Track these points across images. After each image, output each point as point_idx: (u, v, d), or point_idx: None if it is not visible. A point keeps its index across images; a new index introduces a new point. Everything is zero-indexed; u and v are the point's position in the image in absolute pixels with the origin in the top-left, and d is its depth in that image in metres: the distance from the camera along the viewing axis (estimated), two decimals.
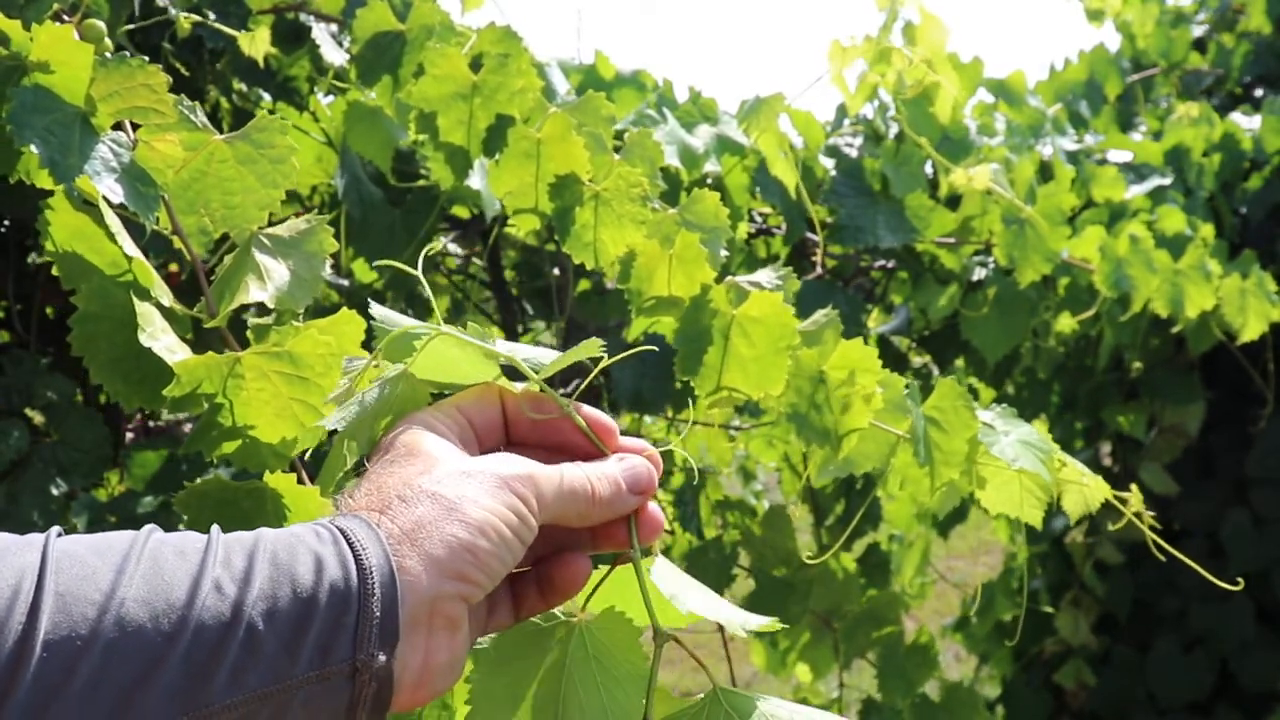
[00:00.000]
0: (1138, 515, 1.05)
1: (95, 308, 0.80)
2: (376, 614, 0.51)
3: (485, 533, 0.54)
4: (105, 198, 0.79)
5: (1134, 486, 1.09)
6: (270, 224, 0.89)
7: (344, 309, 0.81)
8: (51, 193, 0.82)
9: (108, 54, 0.84)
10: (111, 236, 0.81)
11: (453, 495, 0.55)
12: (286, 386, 0.77)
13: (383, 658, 0.51)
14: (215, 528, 0.52)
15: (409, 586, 0.52)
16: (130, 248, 0.81)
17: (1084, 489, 1.05)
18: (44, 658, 0.44)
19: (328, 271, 0.87)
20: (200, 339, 0.89)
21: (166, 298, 0.82)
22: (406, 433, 0.60)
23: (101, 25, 0.97)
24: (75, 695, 0.44)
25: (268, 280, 0.82)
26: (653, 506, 0.65)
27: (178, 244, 0.88)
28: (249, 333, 0.84)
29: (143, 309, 0.76)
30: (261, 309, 0.84)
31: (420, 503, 0.55)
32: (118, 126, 0.86)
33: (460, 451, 0.60)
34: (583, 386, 0.69)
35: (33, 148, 0.76)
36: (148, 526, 0.51)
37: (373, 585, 0.51)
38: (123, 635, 0.46)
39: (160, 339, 0.76)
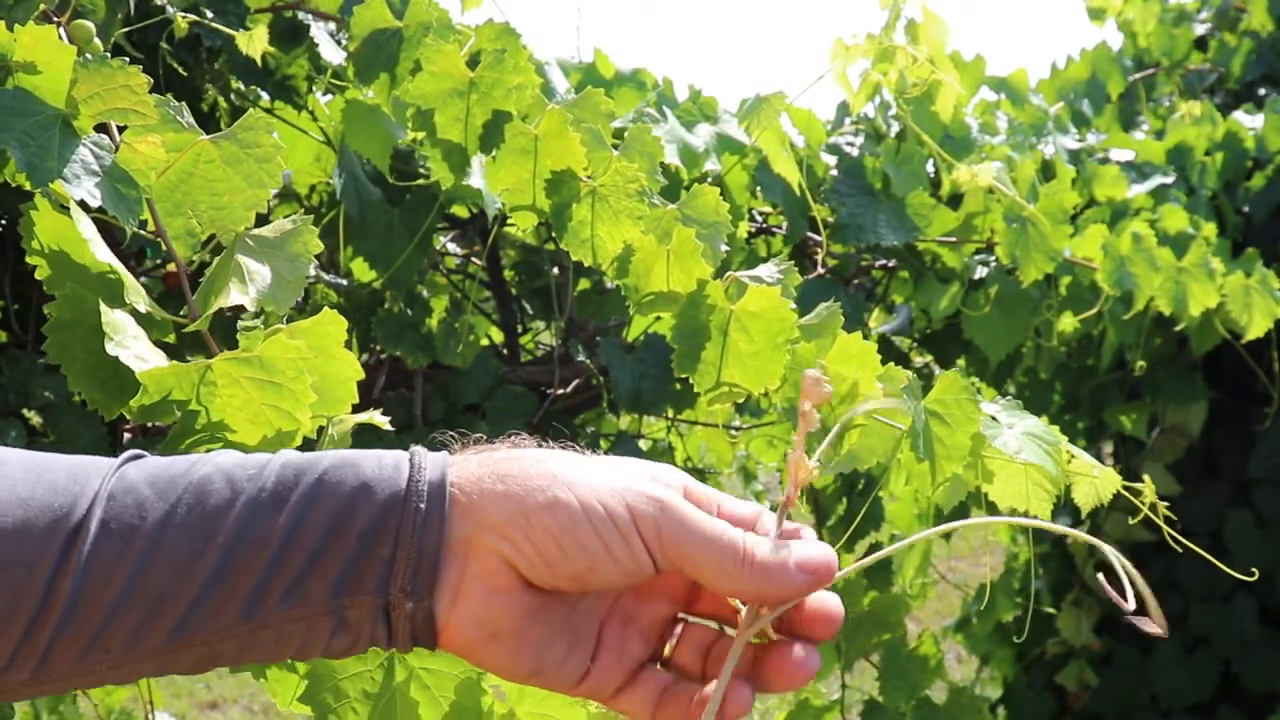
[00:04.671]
0: (1152, 508, 1.04)
1: (69, 315, 0.79)
2: (414, 553, 0.51)
3: (554, 511, 0.52)
4: (83, 202, 0.78)
5: (1146, 477, 1.08)
6: (260, 224, 0.88)
7: (326, 308, 0.80)
8: (33, 195, 0.82)
9: (90, 56, 0.83)
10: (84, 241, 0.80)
11: (555, 470, 0.53)
12: (258, 392, 0.75)
13: (410, 604, 0.52)
14: (284, 451, 0.55)
15: (453, 517, 0.52)
16: (103, 253, 0.80)
17: (1094, 480, 1.04)
18: (86, 569, 0.50)
19: (317, 271, 0.86)
20: (187, 343, 0.88)
21: (143, 303, 0.81)
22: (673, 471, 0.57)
23: (90, 26, 0.96)
24: (116, 601, 0.51)
25: (249, 283, 0.81)
26: (810, 653, 0.54)
27: (165, 246, 0.87)
28: (239, 336, 0.83)
29: (110, 318, 0.75)
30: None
31: (518, 462, 0.54)
32: (103, 129, 0.85)
33: (639, 465, 0.56)
34: None
35: (10, 151, 0.75)
36: (217, 451, 0.55)
37: (415, 524, 0.52)
38: (157, 555, 0.51)
39: (129, 347, 0.75)
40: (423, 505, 0.52)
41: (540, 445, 0.57)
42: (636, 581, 0.53)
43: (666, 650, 0.58)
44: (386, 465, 0.53)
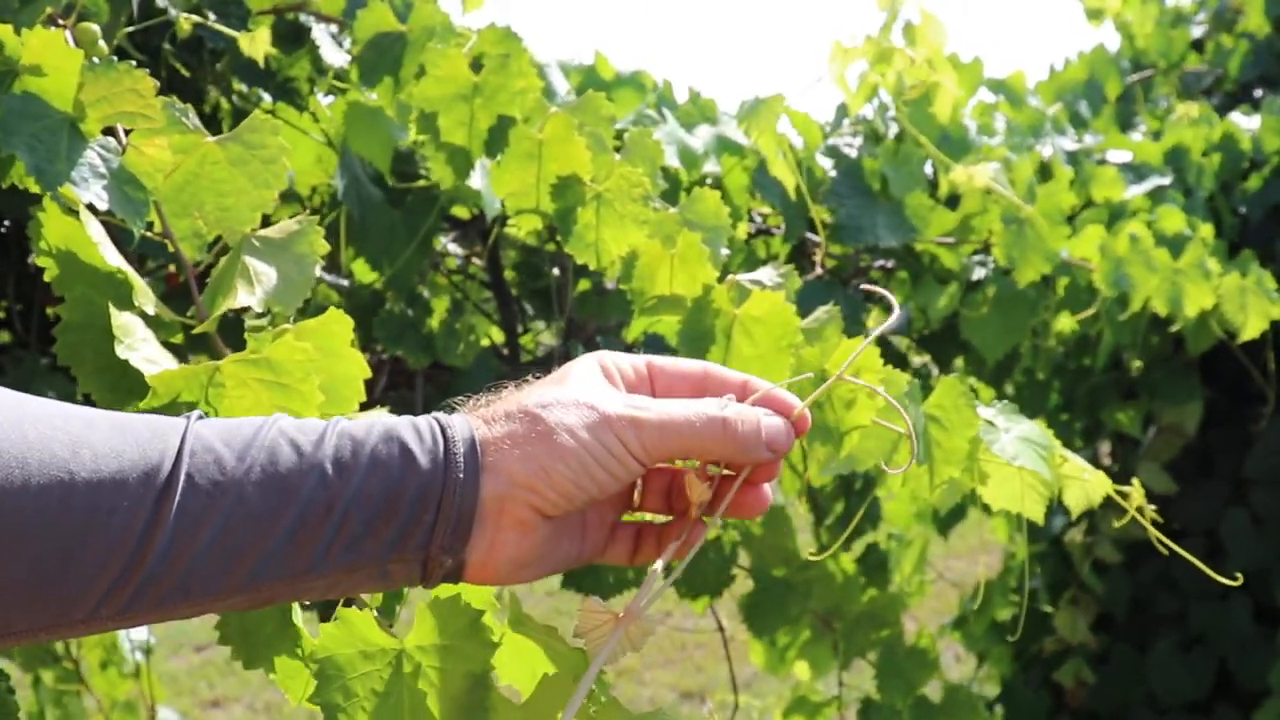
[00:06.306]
0: (1139, 510, 1.05)
1: (79, 318, 0.80)
2: (453, 517, 0.60)
3: (564, 459, 0.61)
4: (91, 205, 0.79)
5: (1135, 481, 1.09)
6: (264, 225, 0.88)
7: (331, 308, 0.80)
8: (42, 197, 0.82)
9: (98, 59, 0.84)
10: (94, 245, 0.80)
11: (551, 421, 0.62)
12: (267, 393, 0.76)
13: (450, 561, 0.60)
14: (337, 417, 0.62)
15: (485, 482, 0.60)
16: (113, 256, 0.81)
17: (1085, 484, 1.05)
18: (177, 520, 0.56)
19: (319, 272, 0.87)
20: (195, 343, 0.89)
21: (151, 305, 0.82)
22: (580, 361, 0.67)
23: (95, 29, 0.97)
24: (200, 552, 0.56)
25: (256, 284, 0.82)
26: (765, 487, 0.68)
27: (173, 248, 0.88)
28: (246, 335, 0.84)
29: (120, 321, 0.76)
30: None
31: (520, 421, 0.62)
32: (110, 132, 0.85)
33: (599, 386, 0.65)
34: None
35: (19, 155, 0.75)
36: (275, 415, 0.61)
37: (455, 492, 0.59)
38: (239, 511, 0.57)
39: (139, 349, 0.76)
40: (460, 474, 0.60)
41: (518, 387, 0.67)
42: (634, 480, 0.65)
43: (635, 499, 0.70)
44: (424, 435, 0.61)
